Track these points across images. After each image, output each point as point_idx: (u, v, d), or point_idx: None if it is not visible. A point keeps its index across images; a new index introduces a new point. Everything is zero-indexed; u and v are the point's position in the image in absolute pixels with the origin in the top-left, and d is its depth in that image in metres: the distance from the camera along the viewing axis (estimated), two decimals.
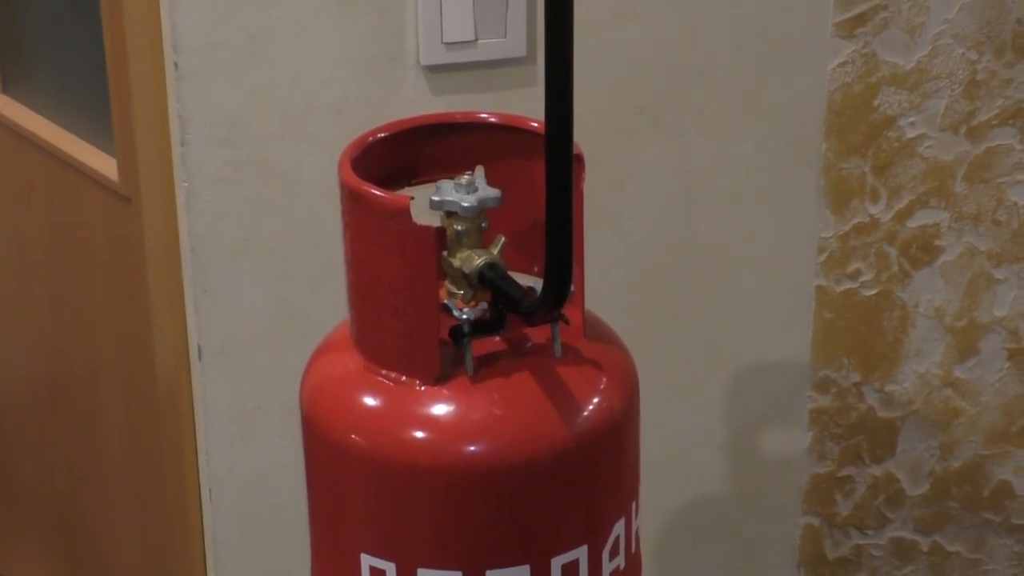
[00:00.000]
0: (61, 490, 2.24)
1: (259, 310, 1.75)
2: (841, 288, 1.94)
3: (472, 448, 1.27)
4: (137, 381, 1.94)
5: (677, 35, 1.78)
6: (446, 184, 1.33)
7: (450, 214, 1.33)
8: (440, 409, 1.29)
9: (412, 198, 1.27)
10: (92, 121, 1.93)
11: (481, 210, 1.32)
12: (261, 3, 1.65)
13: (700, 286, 1.90)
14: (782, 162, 1.87)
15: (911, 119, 1.89)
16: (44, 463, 2.26)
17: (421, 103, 1.72)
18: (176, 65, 1.64)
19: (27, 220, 2.14)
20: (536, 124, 1.37)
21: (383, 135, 1.39)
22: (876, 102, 1.87)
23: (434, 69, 1.72)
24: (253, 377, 1.77)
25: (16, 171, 2.11)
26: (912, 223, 1.94)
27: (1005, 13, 1.87)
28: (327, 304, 1.72)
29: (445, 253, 1.33)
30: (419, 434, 1.28)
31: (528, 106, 1.64)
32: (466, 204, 1.31)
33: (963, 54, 1.88)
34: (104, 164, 1.90)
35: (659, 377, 1.88)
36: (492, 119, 1.41)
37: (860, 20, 1.83)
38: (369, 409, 1.31)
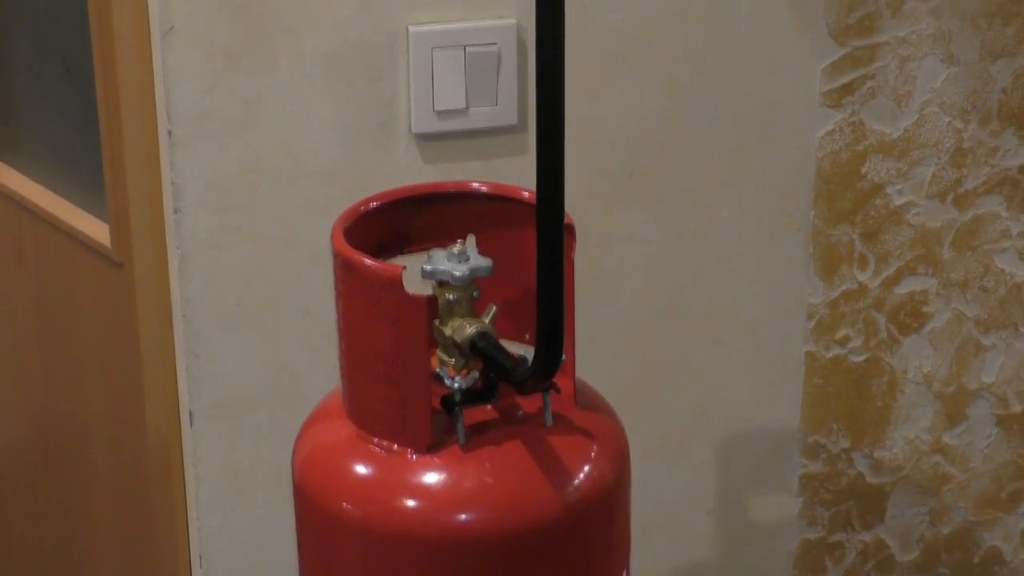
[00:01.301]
0: (50, 553, 2.24)
1: (250, 374, 1.75)
2: (830, 354, 1.95)
3: (464, 517, 1.28)
4: (128, 445, 1.94)
5: (665, 102, 1.80)
6: (438, 253, 1.34)
7: (442, 283, 1.34)
8: (432, 478, 1.29)
9: (404, 268, 1.28)
10: (85, 187, 1.94)
11: (472, 279, 1.33)
12: (254, 70, 1.66)
13: (689, 351, 1.90)
14: (771, 228, 1.88)
15: (899, 187, 1.90)
16: (34, 526, 2.26)
17: (413, 170, 1.73)
18: (170, 133, 1.65)
19: (19, 284, 2.14)
20: (527, 194, 1.39)
21: (375, 205, 1.40)
22: (864, 170, 1.89)
23: (426, 137, 1.73)
24: (244, 442, 1.77)
25: (8, 235, 2.12)
26: (900, 290, 1.95)
27: (990, 82, 1.89)
28: (318, 369, 1.73)
29: (437, 322, 1.34)
30: (411, 503, 1.28)
31: (519, 173, 1.66)
32: (458, 273, 1.32)
33: (949, 123, 1.89)
34: (97, 230, 1.91)
35: (648, 442, 1.89)
36: (483, 189, 1.43)
37: (848, 89, 1.85)
38: (361, 478, 1.31)
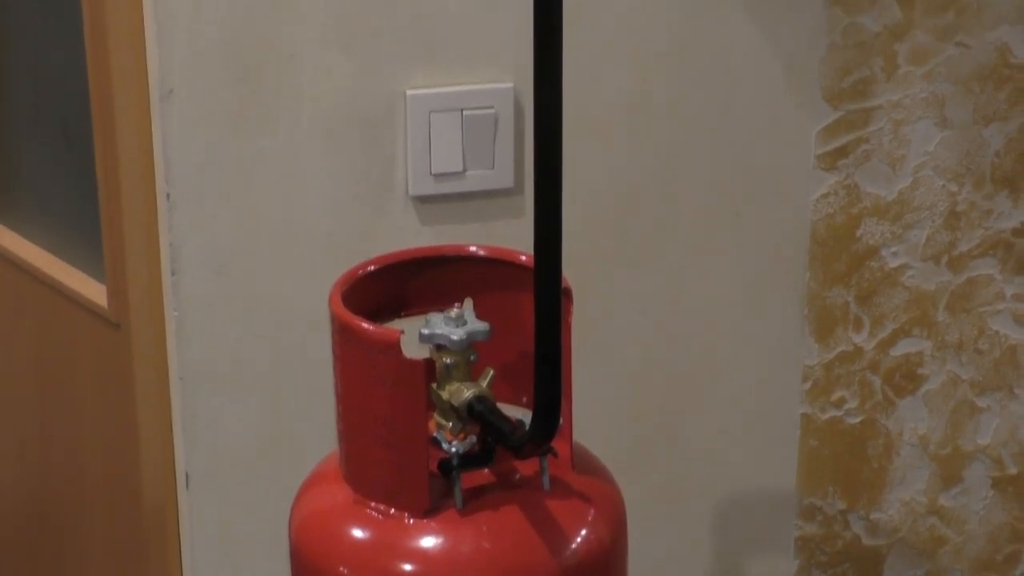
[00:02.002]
0: None
1: (247, 437, 1.76)
2: (826, 416, 1.96)
3: None
4: (124, 506, 1.94)
5: (662, 166, 1.81)
6: (435, 317, 1.35)
7: (439, 347, 1.34)
8: (429, 542, 1.29)
9: (402, 332, 1.28)
10: (83, 247, 1.95)
11: (470, 343, 1.34)
12: (252, 133, 1.67)
13: (685, 414, 1.91)
14: (766, 290, 1.89)
15: (893, 249, 1.91)
16: None
17: (410, 233, 1.74)
18: (168, 196, 1.66)
19: (17, 345, 2.15)
20: (524, 258, 1.39)
21: (373, 268, 1.40)
22: (859, 232, 1.90)
23: (423, 199, 1.74)
24: (241, 505, 1.77)
25: (6, 296, 2.12)
26: (895, 352, 1.95)
27: (983, 146, 1.90)
28: (316, 432, 1.73)
29: (434, 386, 1.34)
30: (408, 567, 1.28)
31: (516, 235, 1.67)
32: (455, 338, 1.33)
33: (943, 186, 1.90)
34: (94, 290, 1.91)
35: (645, 505, 1.89)
36: (481, 252, 1.43)
37: (842, 152, 1.86)
38: (358, 542, 1.31)
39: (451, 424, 1.34)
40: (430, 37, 1.70)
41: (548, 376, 1.25)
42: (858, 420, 1.97)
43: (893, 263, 1.92)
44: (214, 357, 1.72)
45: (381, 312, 1.41)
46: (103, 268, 1.86)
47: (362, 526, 1.31)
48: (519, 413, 1.37)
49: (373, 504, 1.31)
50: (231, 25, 1.63)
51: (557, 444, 1.34)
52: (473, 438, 1.34)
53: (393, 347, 1.27)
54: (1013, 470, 2.05)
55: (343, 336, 1.32)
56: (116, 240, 1.80)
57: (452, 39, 1.70)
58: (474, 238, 1.75)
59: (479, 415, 1.32)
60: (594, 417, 1.80)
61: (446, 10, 1.69)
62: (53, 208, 2.05)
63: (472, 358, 1.34)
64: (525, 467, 1.35)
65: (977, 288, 1.96)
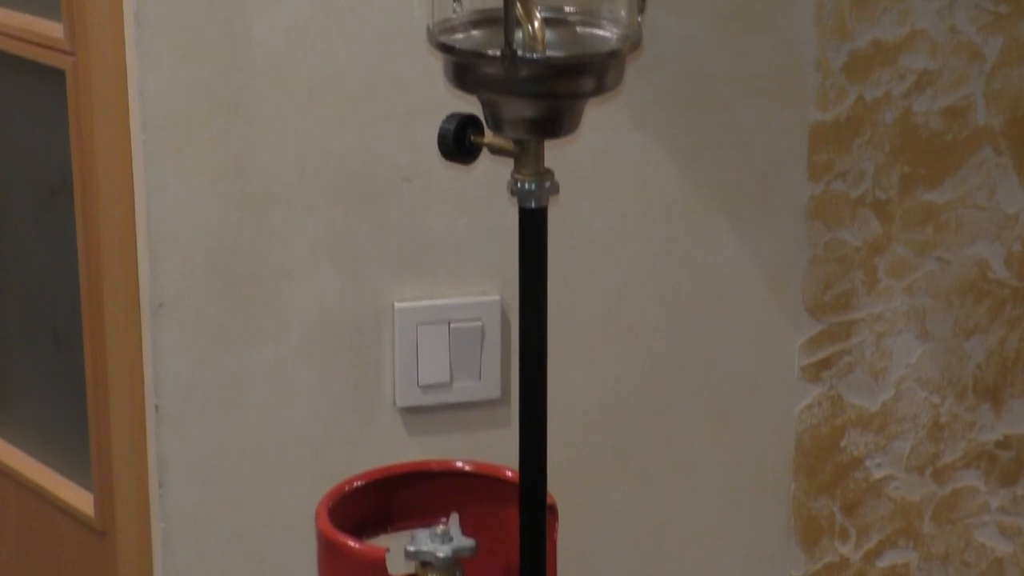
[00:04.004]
0: None
1: None
2: None
3: None
4: None
5: (647, 378, 1.82)
6: (421, 534, 1.35)
7: (425, 564, 1.34)
8: None
9: (387, 550, 1.29)
10: (70, 455, 1.95)
11: (456, 559, 1.34)
12: (241, 346, 1.68)
13: None
14: (752, 501, 1.89)
15: (878, 460, 1.92)
16: None
17: (396, 443, 1.75)
18: (157, 408, 1.67)
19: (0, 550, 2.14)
20: (510, 473, 1.40)
21: (359, 484, 1.41)
22: (843, 443, 1.91)
23: (410, 410, 1.75)
24: None
25: None
26: (882, 562, 1.95)
27: (965, 359, 1.92)
28: None
29: None
30: None
31: (503, 446, 1.68)
32: (441, 555, 1.33)
33: (926, 398, 1.92)
34: (80, 498, 1.91)
35: None
36: (467, 468, 1.44)
37: (825, 364, 1.88)
38: None
39: None
40: (417, 250, 1.72)
41: None
42: None
43: (878, 474, 1.93)
44: (200, 569, 1.72)
45: (368, 526, 1.41)
46: (90, 476, 1.86)
47: None
48: None
49: None
50: (221, 239, 1.66)
51: None
52: None
53: (379, 566, 1.28)
54: None
55: (329, 553, 1.32)
56: (104, 449, 1.81)
57: (439, 252, 1.73)
58: (461, 449, 1.75)
59: None
60: None
61: (433, 224, 1.72)
62: (41, 414, 2.06)
63: (457, 574, 1.34)
64: None
65: (962, 499, 1.96)
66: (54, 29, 1.74)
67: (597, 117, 1.71)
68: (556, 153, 1.34)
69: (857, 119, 1.81)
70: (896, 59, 1.80)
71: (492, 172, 1.66)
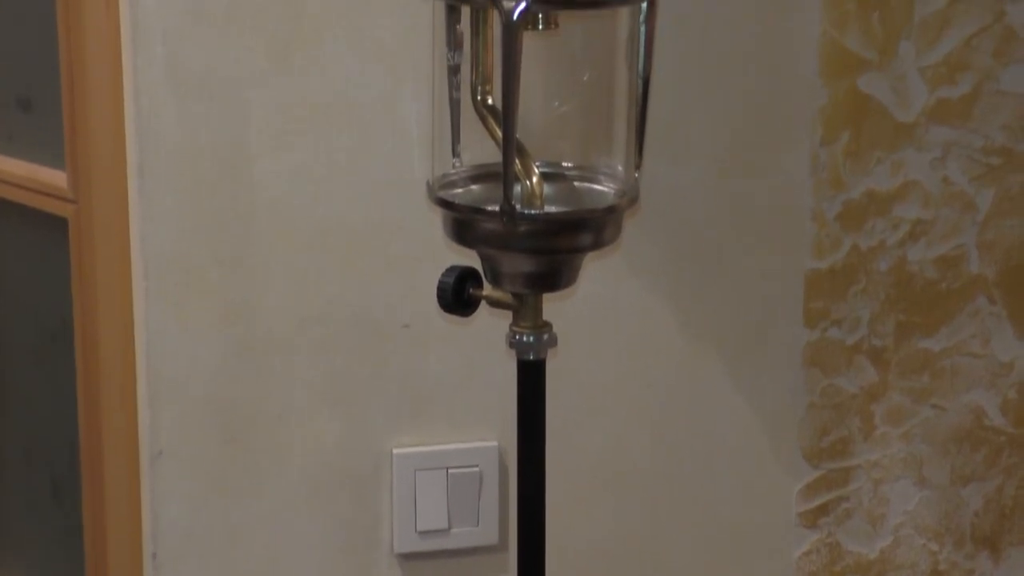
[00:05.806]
0: None
1: None
2: None
3: None
4: None
5: (644, 523, 1.82)
6: None
7: None
8: None
9: None
10: None
11: None
12: (240, 494, 1.68)
13: None
14: None
15: None
16: None
17: None
18: (154, 556, 1.67)
19: None
20: None
21: None
22: None
23: (408, 557, 1.75)
24: None
25: None
26: None
27: (962, 506, 1.92)
28: None
29: None
30: None
31: None
32: None
33: (924, 545, 1.92)
34: None
35: None
36: None
37: (823, 510, 1.88)
38: None
39: None
40: (416, 396, 1.73)
41: None
42: None
43: None
44: None
45: None
46: None
47: None
48: None
49: None
50: (220, 385, 1.66)
51: None
52: None
53: None
54: None
55: None
56: None
57: (437, 398, 1.73)
58: None
59: None
60: None
61: (431, 370, 1.72)
62: (38, 562, 2.05)
63: None
64: None
65: None
66: (57, 177, 1.76)
67: (595, 268, 1.72)
68: (554, 305, 1.36)
69: (852, 267, 1.83)
70: (890, 209, 1.82)
71: (490, 317, 1.67)
